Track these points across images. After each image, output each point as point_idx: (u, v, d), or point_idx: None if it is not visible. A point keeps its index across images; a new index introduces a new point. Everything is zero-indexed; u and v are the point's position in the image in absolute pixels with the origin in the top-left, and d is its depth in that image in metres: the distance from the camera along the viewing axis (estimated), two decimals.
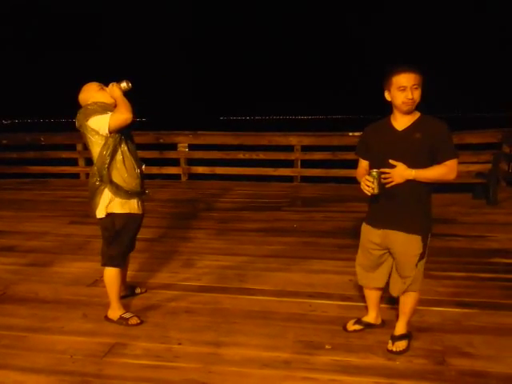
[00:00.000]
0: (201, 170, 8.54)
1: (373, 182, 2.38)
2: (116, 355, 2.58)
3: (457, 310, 3.06)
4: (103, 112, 2.66)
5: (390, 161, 2.37)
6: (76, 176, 8.71)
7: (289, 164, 8.23)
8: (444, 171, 2.33)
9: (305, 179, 8.16)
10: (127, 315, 2.94)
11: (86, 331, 2.85)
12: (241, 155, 8.35)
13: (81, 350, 2.63)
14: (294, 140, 8.15)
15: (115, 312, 2.95)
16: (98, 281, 3.56)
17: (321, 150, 8.24)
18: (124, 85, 2.77)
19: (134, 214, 2.87)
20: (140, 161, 2.96)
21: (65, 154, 9.07)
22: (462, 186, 6.34)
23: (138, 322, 2.91)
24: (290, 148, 8.19)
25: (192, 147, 8.57)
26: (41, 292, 3.44)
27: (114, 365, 2.48)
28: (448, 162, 2.32)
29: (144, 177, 2.98)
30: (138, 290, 3.38)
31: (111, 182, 2.76)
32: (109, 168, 2.74)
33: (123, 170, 2.78)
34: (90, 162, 2.84)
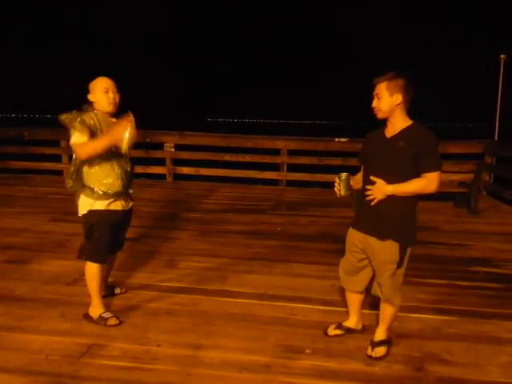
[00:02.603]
0: (186, 170, 8.50)
1: (339, 184, 2.49)
2: (93, 356, 2.53)
3: (436, 317, 3.09)
4: (75, 127, 2.64)
5: (371, 177, 2.41)
6: (59, 173, 8.58)
7: (274, 167, 8.24)
8: (422, 184, 2.33)
9: (290, 183, 8.18)
10: (106, 315, 2.89)
11: (63, 331, 2.79)
12: (227, 157, 8.34)
13: (57, 350, 2.57)
14: (280, 144, 8.18)
15: (95, 310, 2.90)
16: (78, 280, 3.50)
17: (307, 154, 8.28)
18: (127, 136, 2.59)
19: (111, 210, 2.82)
20: (128, 160, 2.91)
21: (48, 150, 8.93)
22: (444, 195, 6.42)
23: (117, 322, 2.86)
24: (276, 151, 8.20)
25: (178, 147, 8.53)
26: (18, 290, 3.36)
27: (90, 366, 2.43)
28: (428, 174, 2.31)
29: (130, 176, 2.93)
30: (117, 291, 3.33)
31: (84, 186, 2.76)
32: (79, 173, 2.75)
33: (99, 173, 2.74)
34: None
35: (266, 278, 3.72)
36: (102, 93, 2.73)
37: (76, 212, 2.84)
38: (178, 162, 8.56)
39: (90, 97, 2.77)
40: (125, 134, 2.57)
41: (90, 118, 2.70)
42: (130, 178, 2.92)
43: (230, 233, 5.01)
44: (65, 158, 8.57)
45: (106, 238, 2.86)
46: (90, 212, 2.78)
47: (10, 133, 9.12)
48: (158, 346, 2.65)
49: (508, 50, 7.14)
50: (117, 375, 2.36)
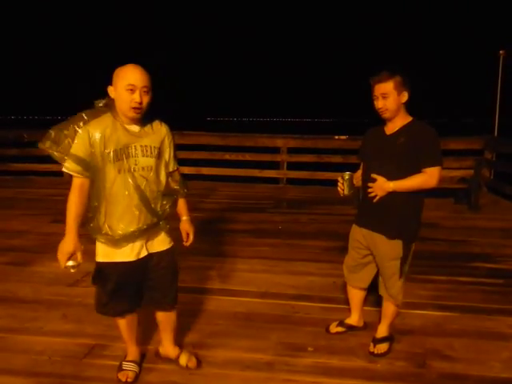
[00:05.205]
0: (186, 170, 8.47)
1: (343, 184, 2.50)
2: (96, 356, 2.54)
3: (438, 313, 3.09)
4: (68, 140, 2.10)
5: (372, 175, 2.41)
6: (60, 174, 8.57)
7: (274, 166, 8.24)
8: (422, 179, 2.32)
9: (290, 181, 8.18)
10: (126, 365, 2.39)
11: (66, 332, 2.80)
12: (227, 156, 8.33)
13: (60, 351, 2.58)
14: (280, 142, 8.16)
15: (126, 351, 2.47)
16: (79, 281, 3.50)
17: (307, 152, 8.28)
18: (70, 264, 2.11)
19: (115, 262, 2.14)
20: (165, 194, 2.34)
21: None
22: (445, 191, 6.42)
23: (125, 379, 2.32)
24: (276, 150, 8.20)
25: (178, 147, 8.48)
26: (20, 291, 3.37)
27: (93, 366, 2.45)
28: (428, 169, 2.31)
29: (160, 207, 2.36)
30: (182, 361, 2.46)
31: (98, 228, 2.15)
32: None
33: (94, 204, 2.10)
34: None
35: (268, 276, 3.73)
36: (124, 90, 1.95)
37: None
38: (177, 162, 8.53)
39: (111, 90, 2.02)
40: (66, 258, 2.12)
41: (98, 126, 1.99)
42: (158, 209, 2.31)
43: (231, 232, 5.01)
44: None
45: (120, 291, 2.23)
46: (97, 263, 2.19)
47: (9, 135, 9.09)
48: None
49: (507, 45, 7.13)
50: None
